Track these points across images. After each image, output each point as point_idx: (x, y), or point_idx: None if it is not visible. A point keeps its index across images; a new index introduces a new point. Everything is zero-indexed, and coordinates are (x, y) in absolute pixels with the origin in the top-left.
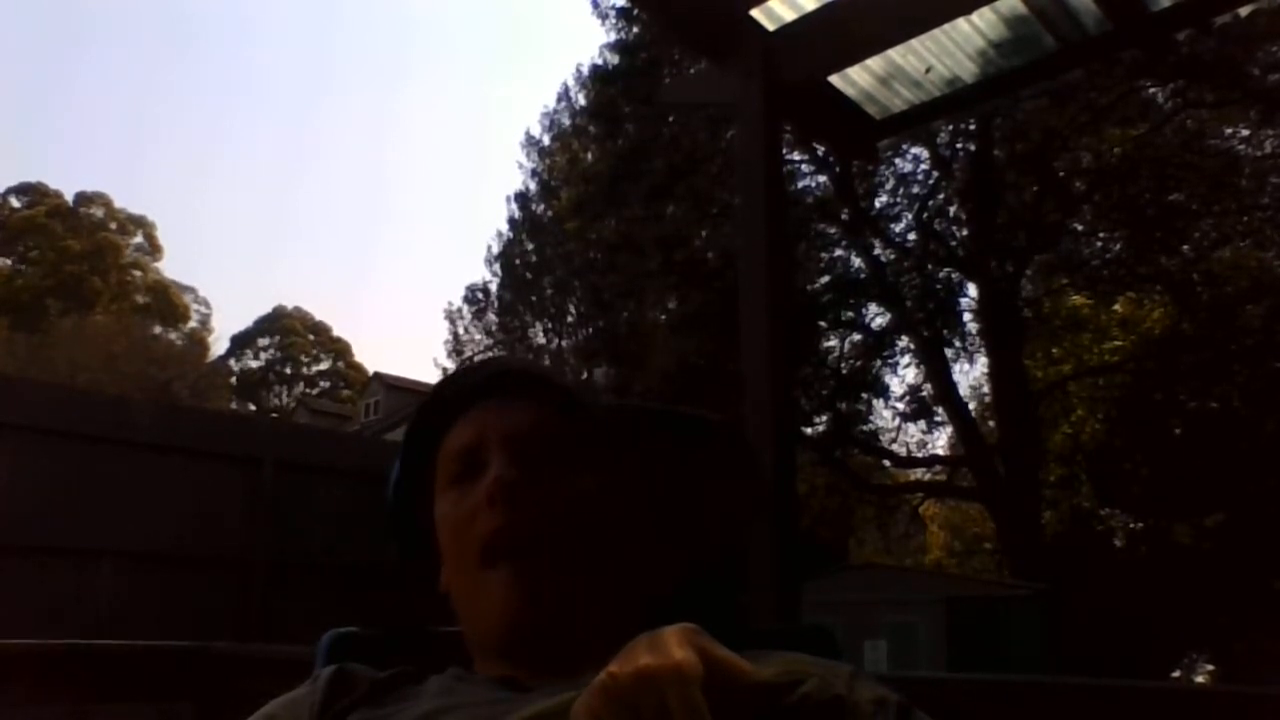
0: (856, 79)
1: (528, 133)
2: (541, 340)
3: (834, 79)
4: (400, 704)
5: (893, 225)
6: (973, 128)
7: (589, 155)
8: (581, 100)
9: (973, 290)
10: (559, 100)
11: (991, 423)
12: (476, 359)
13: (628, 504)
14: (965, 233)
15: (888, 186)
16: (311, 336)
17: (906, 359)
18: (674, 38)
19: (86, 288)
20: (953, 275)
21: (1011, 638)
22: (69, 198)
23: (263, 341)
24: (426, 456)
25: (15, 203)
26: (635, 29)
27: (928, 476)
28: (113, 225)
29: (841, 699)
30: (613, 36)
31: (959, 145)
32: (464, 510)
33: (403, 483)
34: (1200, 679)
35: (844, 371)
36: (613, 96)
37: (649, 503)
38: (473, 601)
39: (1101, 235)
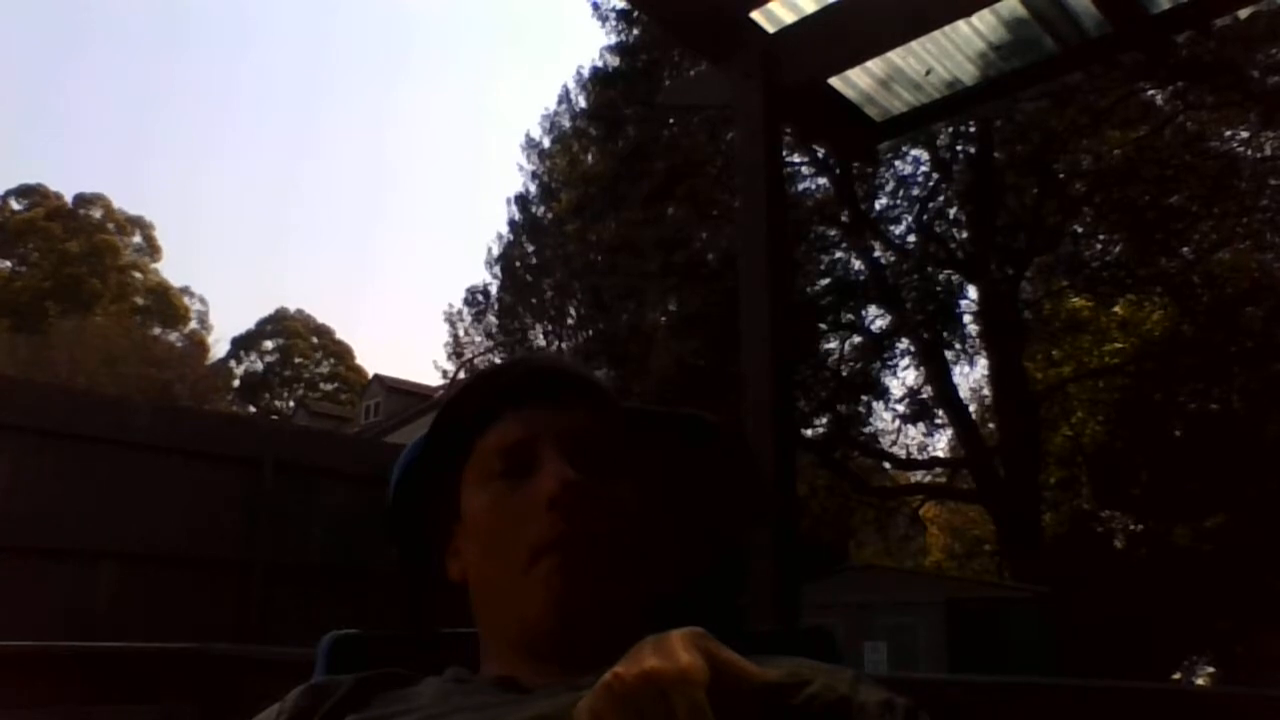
0: (856, 81)
1: (528, 135)
2: (541, 342)
3: (834, 81)
4: (393, 706)
5: (893, 227)
6: (973, 130)
7: (589, 157)
8: (582, 102)
9: (973, 292)
10: (559, 102)
11: (991, 425)
12: (510, 357)
13: (650, 508)
14: (965, 235)
15: (888, 189)
16: (314, 339)
17: (906, 361)
18: (674, 40)
19: (86, 289)
20: (953, 277)
21: (1011, 640)
22: (69, 199)
23: (266, 345)
24: (454, 448)
25: (15, 205)
26: (635, 31)
27: (928, 478)
28: (111, 226)
29: (848, 700)
30: (613, 39)
31: (959, 147)
32: (514, 506)
33: (418, 470)
34: (1200, 681)
35: (844, 373)
36: (613, 99)
37: (659, 505)
38: (510, 594)
39: (1101, 237)
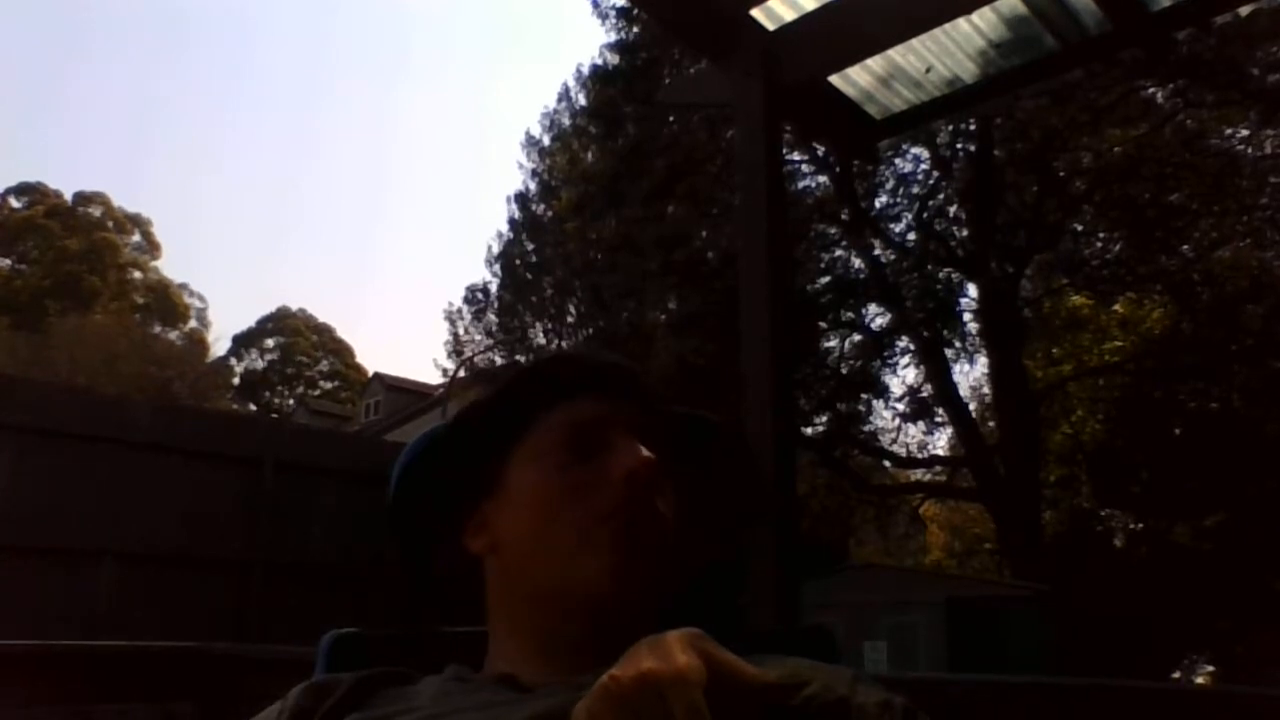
0: (857, 79)
1: (528, 133)
2: (541, 340)
3: (834, 79)
4: (393, 705)
5: (893, 225)
6: (973, 128)
7: (589, 155)
8: (582, 100)
9: (973, 290)
10: (559, 100)
11: (991, 423)
12: (577, 348)
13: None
14: (965, 233)
15: (888, 187)
16: (315, 338)
17: (906, 359)
18: (674, 37)
19: (85, 287)
20: (953, 275)
21: (1011, 638)
22: (68, 198)
23: (267, 343)
24: (506, 424)
25: (15, 203)
26: (635, 29)
27: (928, 477)
28: (111, 224)
29: (846, 701)
30: (613, 36)
31: (959, 145)
32: (579, 477)
33: (452, 444)
34: (1200, 680)
35: (844, 372)
36: (613, 97)
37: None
38: (561, 559)
39: (1101, 235)
